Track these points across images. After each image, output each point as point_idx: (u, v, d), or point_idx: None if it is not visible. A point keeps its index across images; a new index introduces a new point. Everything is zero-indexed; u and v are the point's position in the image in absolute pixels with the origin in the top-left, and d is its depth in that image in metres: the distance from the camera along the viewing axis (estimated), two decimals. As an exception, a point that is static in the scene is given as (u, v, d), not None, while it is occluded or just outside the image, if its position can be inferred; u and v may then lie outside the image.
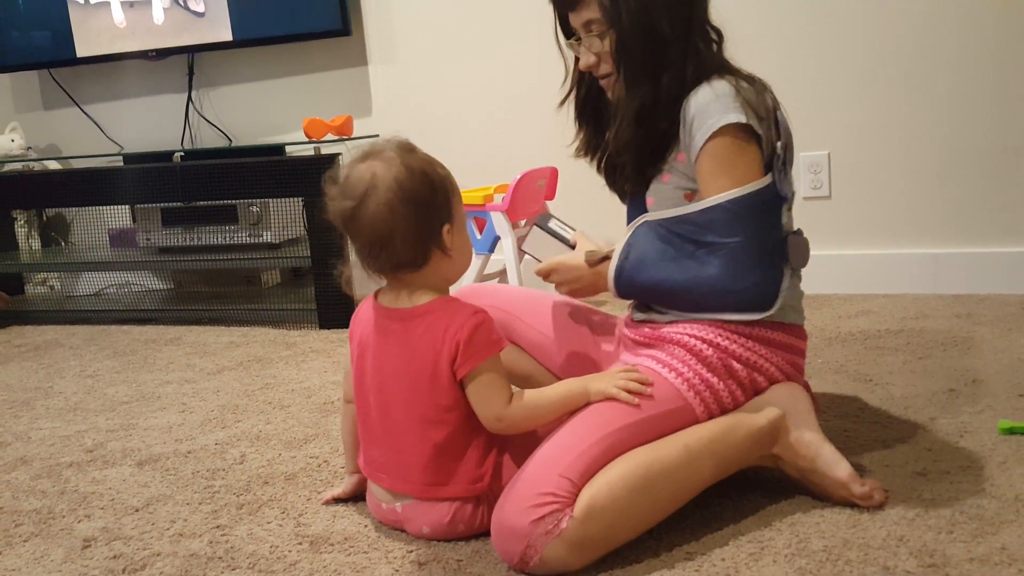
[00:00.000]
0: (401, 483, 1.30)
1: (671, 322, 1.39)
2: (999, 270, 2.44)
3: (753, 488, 1.37)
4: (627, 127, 1.37)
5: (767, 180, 1.33)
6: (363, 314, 1.35)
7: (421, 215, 1.24)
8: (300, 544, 1.32)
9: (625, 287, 1.40)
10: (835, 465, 1.29)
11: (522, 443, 1.31)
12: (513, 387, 1.29)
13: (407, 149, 1.27)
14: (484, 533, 1.28)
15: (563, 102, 1.53)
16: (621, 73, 1.37)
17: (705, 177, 1.33)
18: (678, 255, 1.35)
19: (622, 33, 1.35)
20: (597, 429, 1.23)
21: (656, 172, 1.40)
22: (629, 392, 1.27)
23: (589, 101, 1.51)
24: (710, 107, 1.31)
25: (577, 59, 1.45)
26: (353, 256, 1.31)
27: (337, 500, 1.46)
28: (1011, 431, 1.49)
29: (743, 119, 1.29)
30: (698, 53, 1.35)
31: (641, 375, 1.29)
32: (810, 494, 1.33)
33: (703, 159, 1.32)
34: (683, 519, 1.27)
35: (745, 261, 1.32)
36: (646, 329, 1.42)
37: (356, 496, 1.46)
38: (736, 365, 1.34)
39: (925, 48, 2.45)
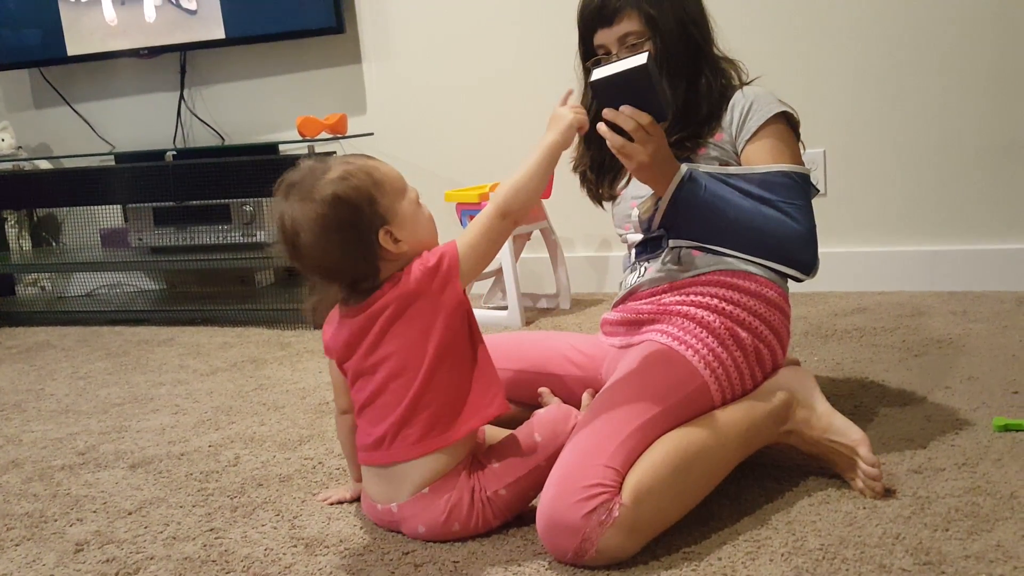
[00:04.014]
0: (403, 450, 1.26)
1: (680, 287, 1.44)
2: (995, 267, 2.44)
3: (750, 487, 1.37)
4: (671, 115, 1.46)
5: (809, 170, 1.50)
6: (332, 319, 1.35)
7: (351, 238, 1.24)
8: (295, 547, 1.32)
9: (686, 194, 1.40)
10: (847, 429, 1.34)
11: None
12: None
13: (319, 173, 1.26)
14: (480, 534, 1.28)
15: None
16: (663, 74, 1.46)
17: (763, 153, 1.46)
18: (744, 196, 1.44)
19: (665, 40, 1.47)
20: (631, 418, 1.25)
21: (694, 147, 1.51)
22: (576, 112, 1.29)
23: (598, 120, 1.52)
24: (766, 97, 1.50)
25: (588, 80, 1.44)
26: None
27: (341, 502, 1.45)
28: (1006, 428, 1.49)
29: (795, 114, 1.51)
30: (717, 60, 1.54)
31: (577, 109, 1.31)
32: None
33: (762, 138, 1.47)
34: (680, 518, 1.26)
35: (807, 223, 1.45)
36: (644, 305, 1.47)
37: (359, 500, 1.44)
38: (742, 334, 1.40)
39: (920, 44, 2.45)
